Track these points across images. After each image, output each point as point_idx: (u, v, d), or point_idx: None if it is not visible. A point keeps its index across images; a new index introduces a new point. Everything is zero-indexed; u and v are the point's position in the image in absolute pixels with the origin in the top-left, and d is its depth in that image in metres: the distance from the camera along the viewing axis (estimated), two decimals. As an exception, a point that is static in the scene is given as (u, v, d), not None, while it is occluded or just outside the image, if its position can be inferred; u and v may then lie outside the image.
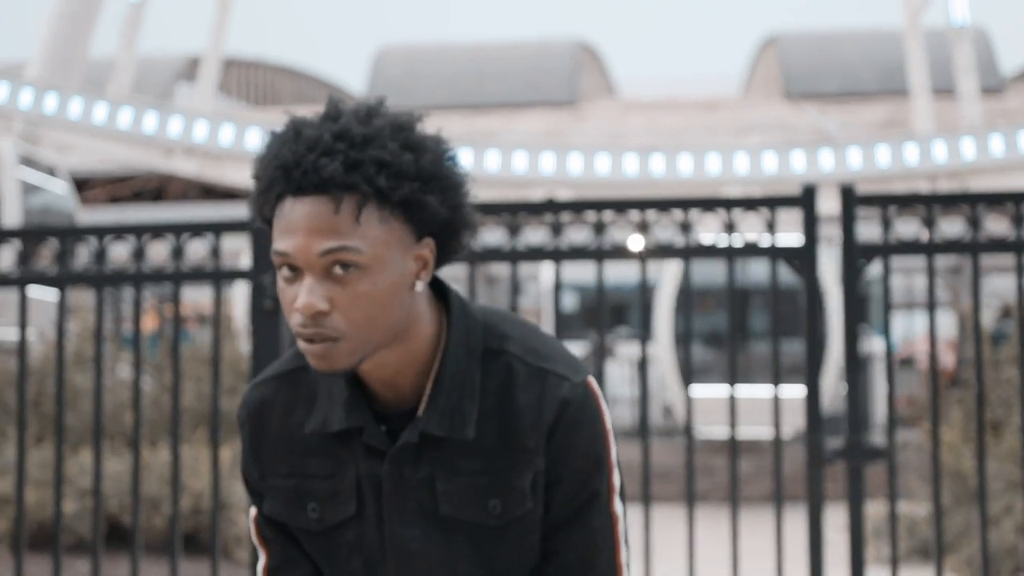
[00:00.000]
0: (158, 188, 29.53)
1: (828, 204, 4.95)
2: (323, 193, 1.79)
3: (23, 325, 4.28)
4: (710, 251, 4.35)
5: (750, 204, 4.35)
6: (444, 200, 1.85)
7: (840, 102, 33.47)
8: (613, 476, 1.97)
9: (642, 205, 4.32)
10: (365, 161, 1.80)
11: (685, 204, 4.33)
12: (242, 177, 19.43)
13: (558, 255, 4.31)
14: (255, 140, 20.67)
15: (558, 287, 4.45)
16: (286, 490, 2.00)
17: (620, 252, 4.33)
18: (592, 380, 1.97)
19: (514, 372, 1.94)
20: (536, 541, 1.96)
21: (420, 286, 1.88)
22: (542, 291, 20.49)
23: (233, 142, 20.61)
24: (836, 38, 39.29)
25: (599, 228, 4.30)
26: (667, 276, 15.31)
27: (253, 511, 2.07)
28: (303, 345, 1.84)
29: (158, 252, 4.30)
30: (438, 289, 1.98)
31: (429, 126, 1.91)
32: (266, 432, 2.02)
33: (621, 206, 4.33)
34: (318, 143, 1.80)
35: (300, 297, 1.80)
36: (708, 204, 4.34)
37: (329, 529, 1.98)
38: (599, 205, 4.32)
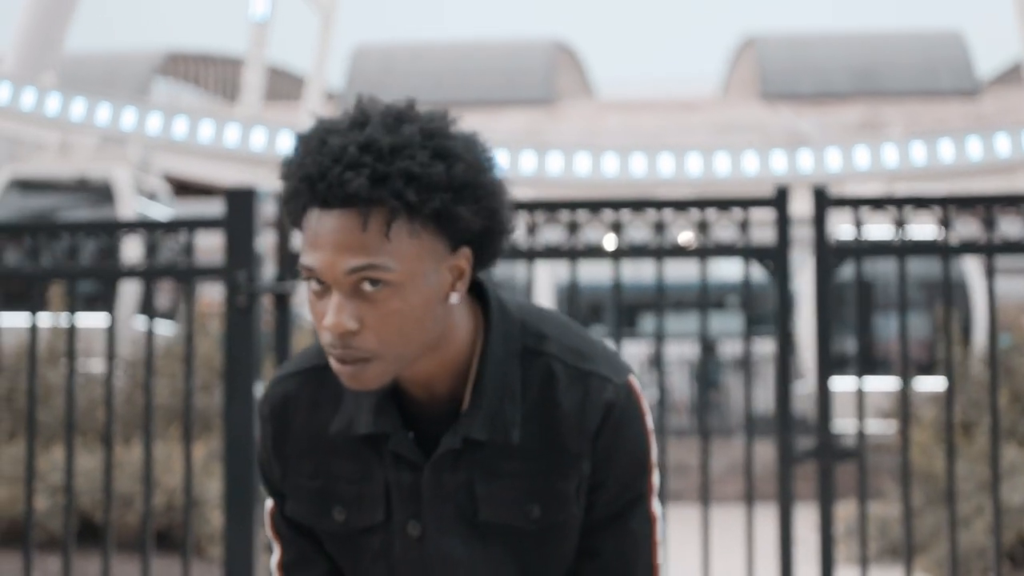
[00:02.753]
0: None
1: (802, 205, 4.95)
2: (350, 207, 1.70)
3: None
4: (683, 252, 4.37)
5: (723, 205, 4.37)
6: (479, 209, 1.76)
7: (816, 103, 33.58)
8: (653, 477, 1.92)
9: (616, 205, 4.34)
10: (392, 174, 1.70)
11: (659, 204, 4.35)
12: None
13: (532, 254, 4.32)
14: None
15: (531, 286, 4.46)
16: (310, 491, 1.91)
17: (594, 252, 4.34)
18: (634, 380, 1.90)
19: (555, 374, 1.87)
20: (572, 547, 1.91)
21: (455, 298, 1.79)
22: (516, 291, 20.52)
23: None
24: (812, 40, 39.42)
25: (573, 228, 4.31)
26: (805, 272, 15.33)
27: (269, 504, 2.00)
28: (333, 363, 1.77)
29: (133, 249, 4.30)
30: (475, 288, 1.89)
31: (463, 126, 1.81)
32: (290, 430, 1.93)
33: (595, 206, 4.35)
34: (343, 155, 1.70)
35: (328, 316, 1.73)
36: (681, 205, 4.36)
37: (355, 533, 1.90)
38: (573, 205, 4.34)
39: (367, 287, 1.72)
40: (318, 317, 1.77)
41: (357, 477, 1.89)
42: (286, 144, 1.84)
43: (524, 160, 18.97)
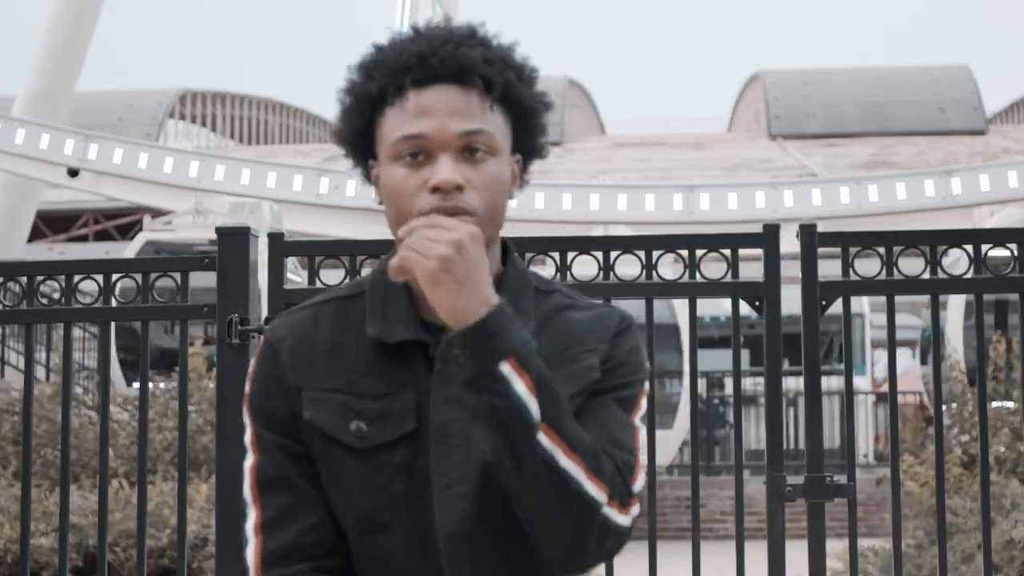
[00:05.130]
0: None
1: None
2: (459, 82, 1.93)
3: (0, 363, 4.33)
4: (671, 289, 4.40)
5: (712, 242, 4.40)
6: (542, 121, 2.04)
7: (825, 141, 33.60)
8: (643, 397, 2.03)
9: (606, 244, 4.36)
10: (495, 57, 1.96)
11: (648, 243, 4.37)
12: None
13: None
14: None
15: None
16: (331, 403, 1.95)
17: (583, 288, 4.36)
18: None
19: (568, 304, 2.05)
20: None
21: (515, 195, 2.03)
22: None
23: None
24: (820, 77, 39.44)
25: (563, 266, 4.34)
26: (953, 306, 15.24)
27: (251, 460, 1.99)
28: (433, 219, 1.86)
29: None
30: None
31: None
32: (314, 345, 1.99)
33: (586, 244, 4.38)
34: (452, 35, 1.95)
35: (438, 173, 1.90)
36: (671, 242, 4.39)
37: (373, 449, 1.94)
38: (564, 243, 4.37)
39: (470, 152, 1.93)
40: (410, 191, 1.92)
41: (381, 394, 1.95)
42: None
43: (536, 197, 18.49)
